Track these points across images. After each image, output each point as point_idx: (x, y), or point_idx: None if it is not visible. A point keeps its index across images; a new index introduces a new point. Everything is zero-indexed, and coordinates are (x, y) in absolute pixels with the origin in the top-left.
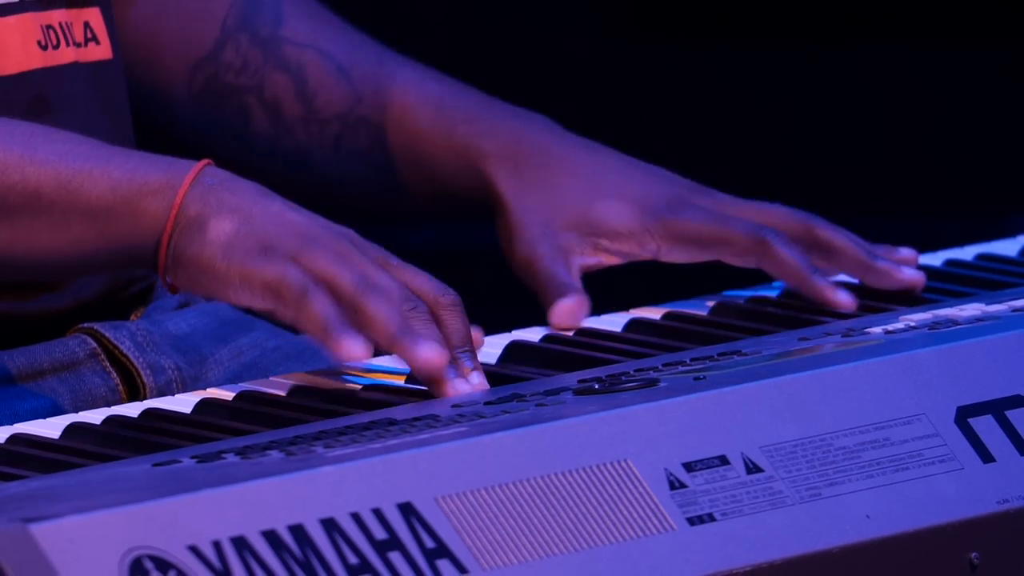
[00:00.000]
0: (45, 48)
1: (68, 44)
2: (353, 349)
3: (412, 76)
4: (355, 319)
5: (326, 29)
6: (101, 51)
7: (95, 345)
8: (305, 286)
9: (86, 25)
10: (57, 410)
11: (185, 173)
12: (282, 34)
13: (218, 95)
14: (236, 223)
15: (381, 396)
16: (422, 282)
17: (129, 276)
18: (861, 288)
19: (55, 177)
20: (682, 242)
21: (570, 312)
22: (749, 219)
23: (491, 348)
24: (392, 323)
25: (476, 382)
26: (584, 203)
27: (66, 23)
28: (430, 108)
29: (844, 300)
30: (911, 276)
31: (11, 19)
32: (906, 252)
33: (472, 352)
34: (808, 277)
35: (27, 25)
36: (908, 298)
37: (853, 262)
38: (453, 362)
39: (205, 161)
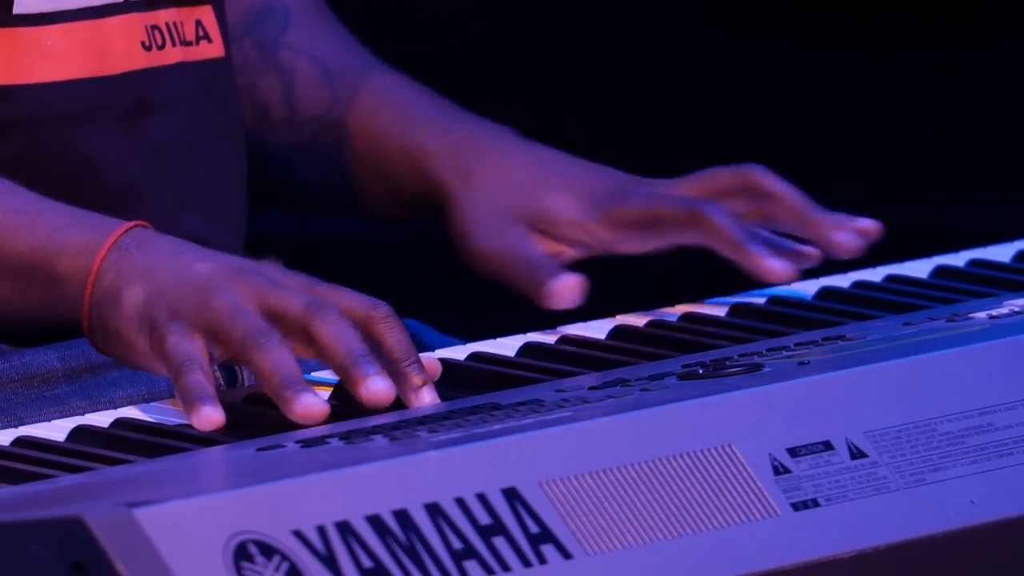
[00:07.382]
0: (149, 48)
1: (175, 44)
2: (210, 418)
3: (387, 81)
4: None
5: (326, 37)
6: (213, 49)
7: None
8: (188, 356)
9: (198, 23)
10: (154, 398)
11: (107, 236)
12: (283, 39)
13: None
14: (145, 290)
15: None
16: (350, 300)
17: None
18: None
19: None
20: (627, 228)
21: (574, 288)
22: (685, 195)
23: (595, 333)
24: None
25: (427, 400)
26: (530, 194)
27: (176, 22)
28: (392, 111)
29: (778, 268)
30: (849, 237)
31: (115, 19)
32: (866, 222)
33: (419, 363)
34: (742, 245)
35: (131, 26)
36: (1010, 283)
37: (792, 210)
38: (400, 377)
39: (133, 223)
